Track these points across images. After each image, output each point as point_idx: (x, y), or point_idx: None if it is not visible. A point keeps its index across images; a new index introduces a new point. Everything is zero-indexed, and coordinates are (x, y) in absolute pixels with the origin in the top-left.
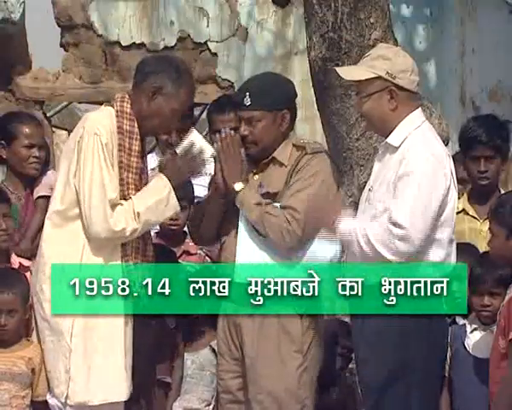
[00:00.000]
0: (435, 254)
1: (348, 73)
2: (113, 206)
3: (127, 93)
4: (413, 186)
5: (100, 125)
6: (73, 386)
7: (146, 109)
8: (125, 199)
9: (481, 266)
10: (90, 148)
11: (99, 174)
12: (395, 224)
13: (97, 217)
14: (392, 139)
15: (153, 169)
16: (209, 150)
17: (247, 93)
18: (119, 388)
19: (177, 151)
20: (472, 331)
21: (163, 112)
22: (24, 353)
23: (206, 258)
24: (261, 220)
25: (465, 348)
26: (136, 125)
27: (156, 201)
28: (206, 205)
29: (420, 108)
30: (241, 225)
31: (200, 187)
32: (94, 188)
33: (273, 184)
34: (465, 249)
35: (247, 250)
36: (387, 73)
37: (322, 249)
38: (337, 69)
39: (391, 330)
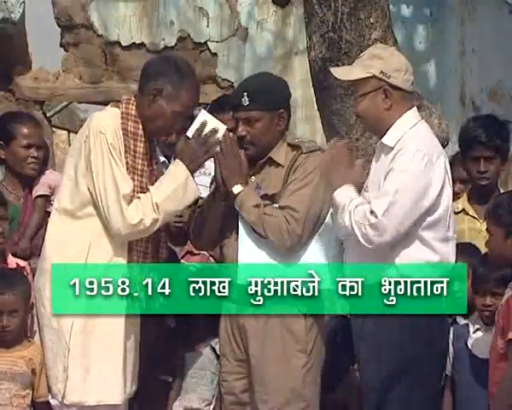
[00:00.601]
0: (419, 253)
1: (343, 73)
2: (129, 201)
3: (133, 95)
4: (398, 181)
5: (104, 124)
6: (70, 385)
7: (148, 111)
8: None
9: (483, 267)
10: (98, 147)
11: (110, 172)
12: (372, 211)
13: (114, 214)
14: (387, 140)
15: None
16: (221, 128)
17: (245, 93)
18: (116, 390)
19: (189, 134)
20: (475, 331)
21: (165, 114)
22: (24, 353)
23: (210, 258)
24: (260, 222)
25: (468, 348)
26: (140, 127)
27: (174, 189)
28: (206, 209)
29: (415, 108)
30: (242, 227)
31: (201, 187)
32: (107, 186)
33: (271, 186)
34: (467, 250)
35: (247, 251)
36: (381, 72)
37: (322, 249)
38: (332, 70)
39: (391, 330)
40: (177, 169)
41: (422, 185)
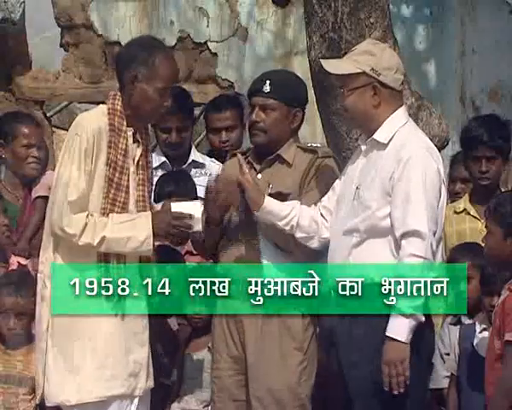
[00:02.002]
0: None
1: (333, 66)
2: (76, 208)
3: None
4: (420, 189)
5: (84, 126)
6: (48, 387)
7: (133, 100)
8: (107, 196)
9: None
10: (68, 145)
11: (68, 173)
12: (414, 232)
13: (56, 212)
14: (380, 136)
15: (154, 168)
16: (198, 227)
17: (268, 81)
18: (98, 388)
19: (174, 208)
20: (481, 331)
21: (149, 96)
22: (32, 356)
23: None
24: (282, 233)
25: (473, 347)
26: (124, 123)
27: (129, 237)
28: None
29: (404, 106)
30: (261, 234)
31: (201, 187)
32: (59, 184)
33: (284, 184)
34: (473, 250)
35: (269, 257)
36: (372, 69)
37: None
38: (322, 61)
39: (378, 332)
40: (144, 222)
41: (435, 185)
